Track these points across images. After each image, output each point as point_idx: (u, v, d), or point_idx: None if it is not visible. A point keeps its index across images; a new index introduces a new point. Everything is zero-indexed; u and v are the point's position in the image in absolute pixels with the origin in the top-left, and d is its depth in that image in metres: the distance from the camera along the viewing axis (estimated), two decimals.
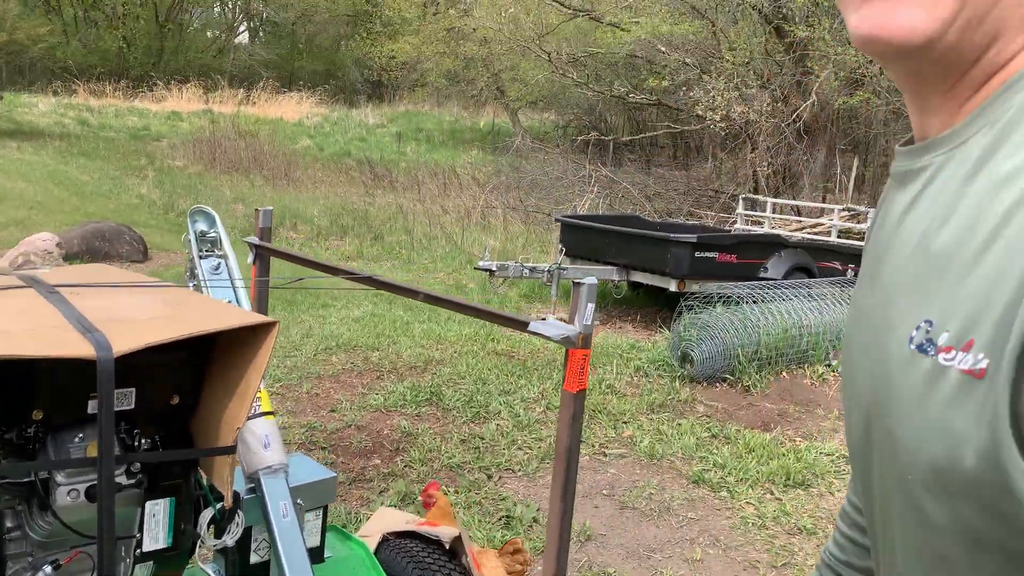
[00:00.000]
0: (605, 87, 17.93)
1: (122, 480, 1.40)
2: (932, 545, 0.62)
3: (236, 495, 1.67)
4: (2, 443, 1.34)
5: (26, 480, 1.36)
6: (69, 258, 8.12)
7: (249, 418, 1.98)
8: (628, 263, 7.34)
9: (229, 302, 2.11)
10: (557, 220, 8.59)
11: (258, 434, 1.95)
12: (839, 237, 10.42)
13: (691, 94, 14.20)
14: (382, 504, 3.46)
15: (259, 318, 1.50)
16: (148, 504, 1.46)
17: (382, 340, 5.97)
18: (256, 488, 1.80)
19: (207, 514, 1.56)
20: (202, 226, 2.24)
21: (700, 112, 13.61)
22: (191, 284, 2.22)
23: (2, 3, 24.70)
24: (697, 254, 6.94)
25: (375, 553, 2.22)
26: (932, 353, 0.58)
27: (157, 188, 13.58)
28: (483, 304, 2.22)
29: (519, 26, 18.71)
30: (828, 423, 4.88)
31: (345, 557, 2.14)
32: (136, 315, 1.42)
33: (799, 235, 10.52)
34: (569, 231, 7.93)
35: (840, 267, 8.05)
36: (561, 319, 1.96)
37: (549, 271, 7.05)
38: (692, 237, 6.97)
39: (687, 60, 15.60)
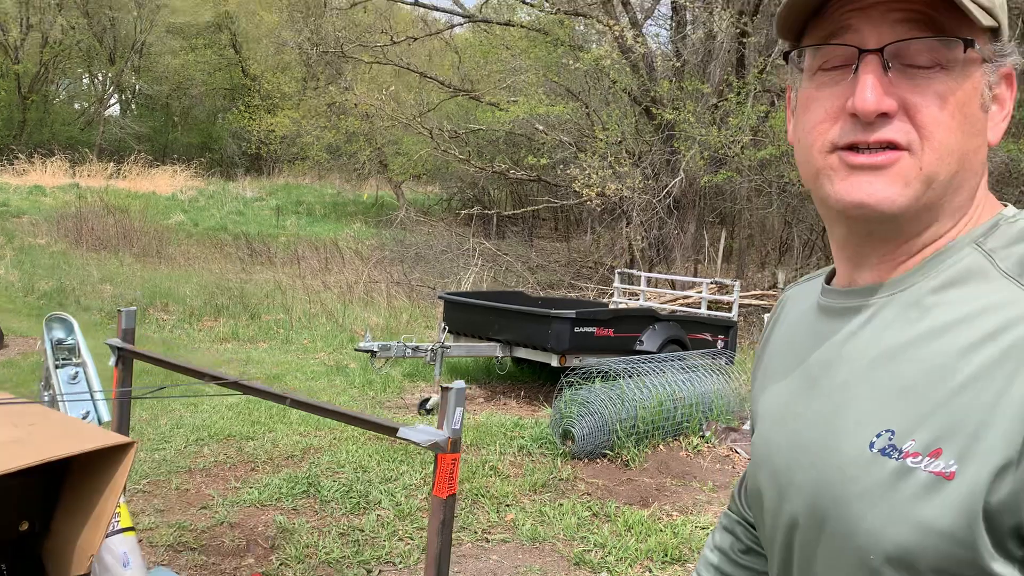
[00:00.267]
0: (487, 163, 18.35)
1: None
2: None
3: None
4: None
5: None
6: None
7: (108, 535, 1.89)
8: (511, 339, 7.43)
9: (87, 415, 2.02)
10: (440, 297, 8.63)
11: (116, 552, 1.86)
12: (708, 309, 10.89)
13: (568, 171, 14.71)
14: None
15: (116, 439, 1.45)
16: None
17: (258, 429, 5.78)
18: None
19: None
20: (59, 334, 2.15)
21: (577, 188, 14.10)
22: (46, 395, 2.12)
23: None
24: (577, 329, 7.11)
25: None
26: (897, 457, 0.74)
27: (16, 268, 12.83)
28: (354, 410, 2.21)
29: (400, 103, 19.00)
30: (703, 496, 5.03)
31: None
32: None
33: (672, 307, 10.94)
34: (452, 309, 7.98)
35: (710, 338, 8.41)
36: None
37: (432, 350, 7.05)
38: (572, 313, 7.15)
39: (564, 138, 16.20)
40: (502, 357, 7.56)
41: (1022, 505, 0.68)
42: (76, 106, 36.29)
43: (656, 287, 12.80)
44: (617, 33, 14.12)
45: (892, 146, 0.78)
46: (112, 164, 25.43)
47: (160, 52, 32.46)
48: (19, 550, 1.47)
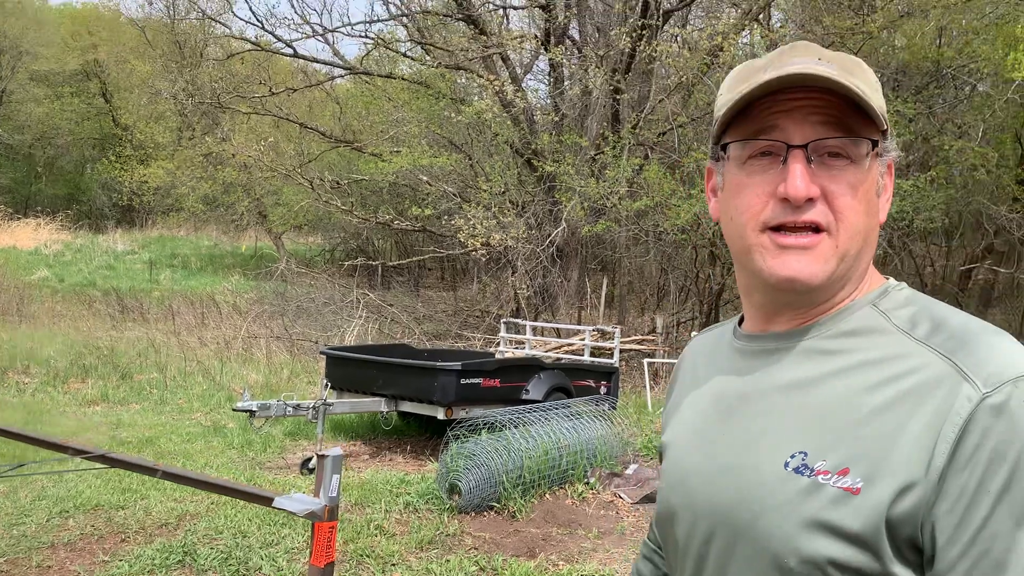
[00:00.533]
0: (370, 213, 18.24)
1: None
2: None
3: None
4: None
5: None
6: None
7: None
8: (396, 393, 7.36)
9: None
10: (322, 353, 8.48)
11: None
12: (591, 355, 11.12)
13: (453, 221, 14.83)
14: None
15: None
16: None
17: (128, 496, 5.48)
18: None
19: None
20: None
21: (462, 238, 14.22)
22: None
23: None
24: (463, 381, 7.13)
25: None
26: (809, 475, 0.88)
27: None
28: (228, 480, 2.16)
29: (280, 153, 18.72)
30: (588, 543, 5.10)
31: None
32: None
33: (556, 355, 11.12)
34: (335, 364, 7.85)
35: (594, 385, 8.59)
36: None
37: (315, 408, 6.89)
38: (457, 365, 7.16)
39: (448, 189, 16.35)
40: (387, 412, 7.48)
41: (919, 519, 0.83)
42: None
43: (541, 335, 12.99)
44: (498, 88, 14.47)
45: (815, 227, 0.93)
46: None
47: (22, 100, 30.89)
48: None
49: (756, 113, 0.95)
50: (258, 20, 25.20)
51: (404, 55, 18.03)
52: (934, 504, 0.82)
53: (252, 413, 6.47)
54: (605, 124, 14.97)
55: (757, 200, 0.95)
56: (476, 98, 16.64)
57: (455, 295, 20.16)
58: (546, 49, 15.47)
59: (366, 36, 16.96)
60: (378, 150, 17.21)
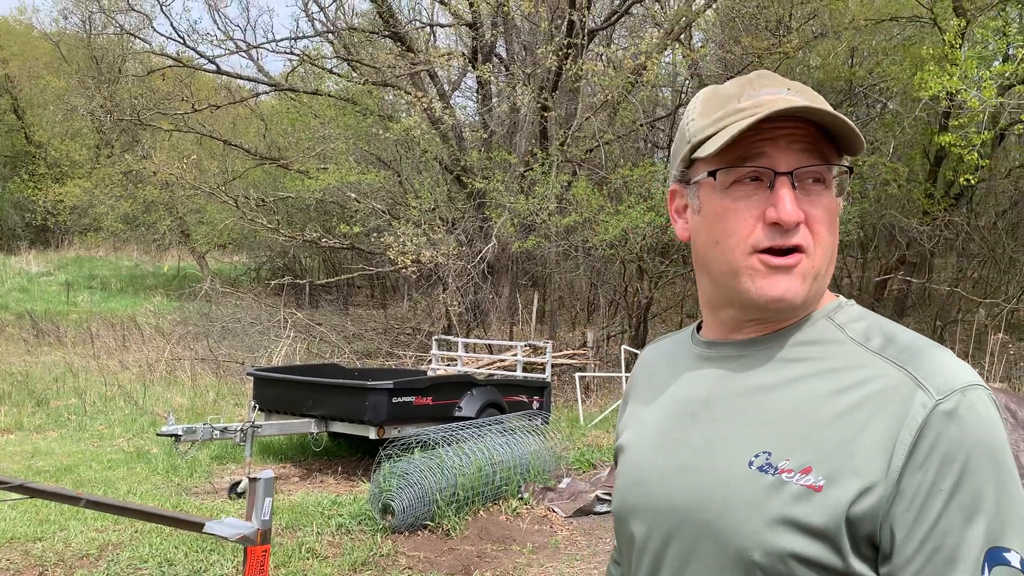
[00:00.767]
0: (297, 231, 17.97)
1: None
2: None
3: None
4: None
5: None
6: None
7: None
8: (326, 414, 7.24)
9: None
10: (249, 374, 8.30)
11: None
12: (524, 371, 11.17)
13: (383, 239, 14.73)
14: None
15: None
16: None
17: (47, 528, 5.26)
18: None
19: None
20: None
21: (392, 256, 14.13)
22: None
23: None
24: (395, 399, 7.06)
25: None
26: (773, 473, 0.93)
27: None
28: (154, 507, 2.10)
29: (203, 171, 18.32)
30: (523, 559, 5.11)
31: None
32: None
33: (489, 371, 11.13)
34: (262, 385, 7.70)
35: (527, 400, 8.63)
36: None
37: (242, 430, 6.73)
38: (389, 383, 7.10)
39: (377, 206, 16.23)
40: (317, 433, 7.36)
41: (879, 518, 0.88)
42: None
43: (474, 351, 12.98)
44: (426, 104, 14.48)
45: (798, 248, 0.98)
46: None
47: None
48: None
49: (740, 140, 0.98)
50: (179, 36, 24.56)
51: (330, 71, 17.89)
52: (892, 503, 0.88)
53: (177, 437, 6.29)
54: (533, 141, 15.11)
55: (744, 224, 0.99)
56: (404, 115, 16.58)
57: (385, 313, 19.99)
58: (473, 67, 15.56)
59: (291, 52, 16.83)
60: (304, 167, 16.99)
